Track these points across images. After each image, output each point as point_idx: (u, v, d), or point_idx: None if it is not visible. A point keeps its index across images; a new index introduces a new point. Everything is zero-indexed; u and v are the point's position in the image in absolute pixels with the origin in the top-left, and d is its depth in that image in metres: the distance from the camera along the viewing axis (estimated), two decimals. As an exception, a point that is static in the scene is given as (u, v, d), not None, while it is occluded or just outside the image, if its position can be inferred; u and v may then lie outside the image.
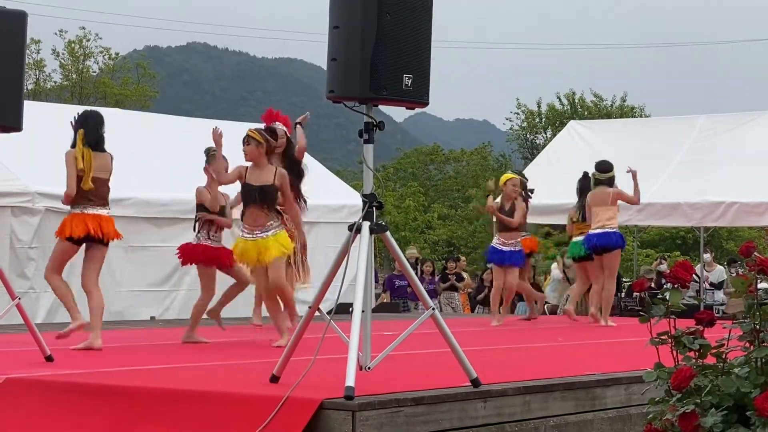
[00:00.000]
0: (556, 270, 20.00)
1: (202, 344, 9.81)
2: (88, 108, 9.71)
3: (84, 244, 9.05)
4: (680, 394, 4.61)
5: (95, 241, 9.01)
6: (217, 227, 10.06)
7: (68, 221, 9.07)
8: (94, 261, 9.12)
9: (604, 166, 13.47)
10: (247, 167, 9.22)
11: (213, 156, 9.84)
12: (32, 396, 6.35)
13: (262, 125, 18.31)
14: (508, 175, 13.60)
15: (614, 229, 13.12)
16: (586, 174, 13.76)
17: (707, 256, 21.60)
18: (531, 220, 16.63)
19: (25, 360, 7.74)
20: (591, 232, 13.16)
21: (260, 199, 9.04)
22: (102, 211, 9.10)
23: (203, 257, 9.95)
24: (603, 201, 13.20)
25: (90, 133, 9.14)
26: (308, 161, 18.13)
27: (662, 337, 4.79)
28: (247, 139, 9.20)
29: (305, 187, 11.16)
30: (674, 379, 4.59)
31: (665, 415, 4.68)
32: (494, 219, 13.83)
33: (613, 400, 6.83)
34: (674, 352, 4.77)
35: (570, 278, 19.44)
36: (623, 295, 18.41)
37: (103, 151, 9.19)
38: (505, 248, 12.96)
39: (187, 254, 10.06)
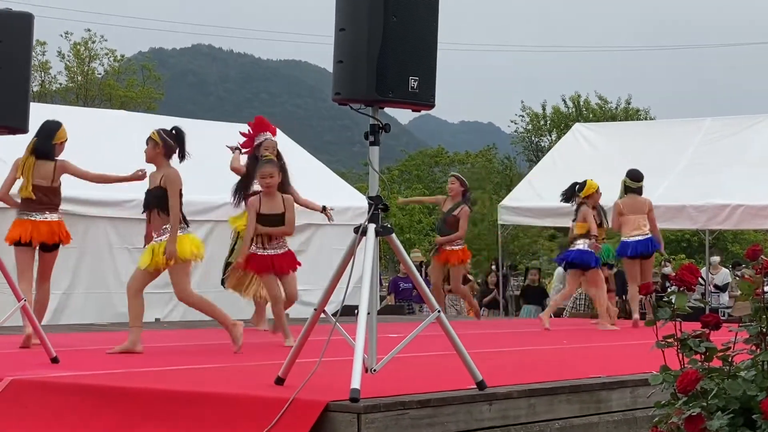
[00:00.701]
0: (560, 273, 19.98)
1: (207, 346, 9.84)
2: (51, 119, 9.94)
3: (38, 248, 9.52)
4: (686, 397, 4.60)
5: (47, 246, 9.59)
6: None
7: (13, 227, 9.59)
8: (45, 264, 9.74)
9: (637, 174, 13.65)
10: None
11: None
12: (38, 397, 6.35)
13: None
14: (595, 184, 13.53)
15: (648, 236, 13.31)
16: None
17: (715, 259, 21.58)
18: (535, 222, 16.66)
19: (30, 361, 7.75)
20: (630, 239, 13.26)
21: (148, 204, 8.91)
22: (51, 216, 9.58)
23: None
24: (640, 209, 13.46)
25: (39, 142, 9.62)
26: (312, 164, 18.20)
27: (668, 340, 4.78)
28: (147, 139, 9.10)
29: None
30: (680, 383, 4.58)
31: (671, 418, 4.67)
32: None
33: (618, 403, 6.82)
34: (680, 355, 4.76)
35: None
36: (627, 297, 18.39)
37: (51, 160, 9.60)
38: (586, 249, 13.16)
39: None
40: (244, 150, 11.86)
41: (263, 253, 9.65)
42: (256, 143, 11.63)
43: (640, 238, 13.29)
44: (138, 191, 14.31)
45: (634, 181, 13.62)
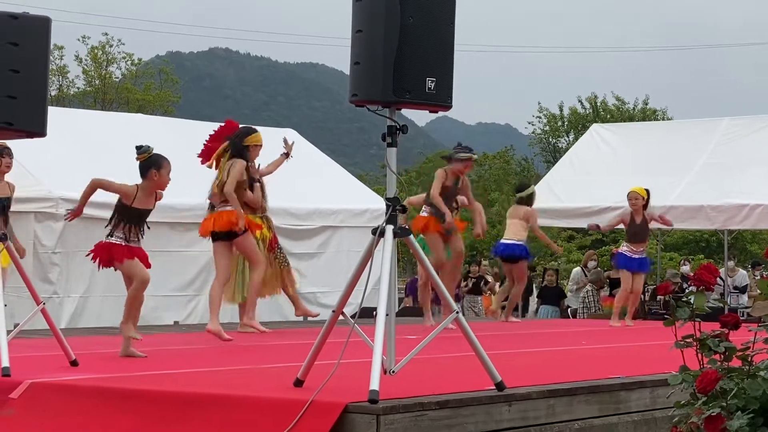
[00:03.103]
0: (580, 279, 19.99)
1: (225, 349, 9.86)
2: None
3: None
4: (706, 397, 4.59)
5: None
6: None
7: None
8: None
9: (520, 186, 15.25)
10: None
11: None
12: (57, 400, 6.37)
13: (284, 129, 18.41)
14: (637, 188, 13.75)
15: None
16: None
17: (731, 263, 21.50)
18: (553, 224, 16.66)
19: (49, 365, 7.76)
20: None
21: None
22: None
23: None
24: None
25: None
26: (330, 166, 18.22)
27: (687, 340, 4.77)
28: None
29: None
30: (699, 383, 4.56)
31: (691, 418, 4.66)
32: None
33: (637, 403, 6.81)
34: (699, 355, 4.75)
35: (593, 279, 19.43)
36: (647, 298, 18.36)
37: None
38: (634, 255, 13.55)
39: None
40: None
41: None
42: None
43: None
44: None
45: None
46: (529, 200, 14.53)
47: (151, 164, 8.56)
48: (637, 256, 13.57)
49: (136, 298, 8.67)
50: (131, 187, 8.58)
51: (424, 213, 12.53)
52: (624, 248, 13.72)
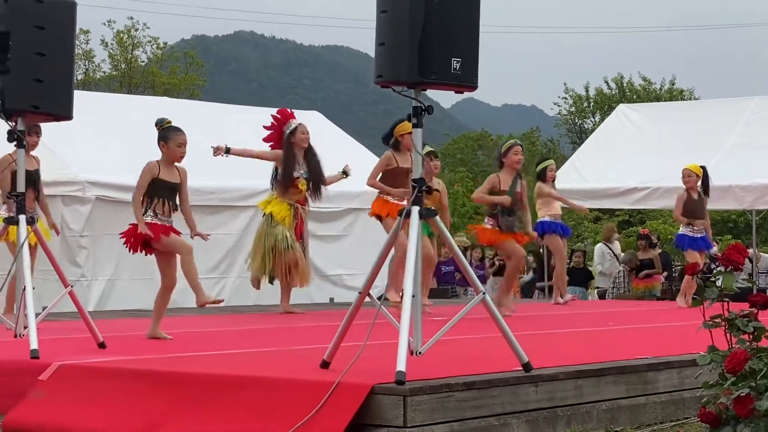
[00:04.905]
0: (605, 252, 19.89)
1: (252, 331, 9.88)
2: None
3: None
4: (734, 377, 4.57)
5: None
6: None
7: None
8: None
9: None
10: None
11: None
12: (85, 382, 6.40)
13: (310, 112, 18.44)
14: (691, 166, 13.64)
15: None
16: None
17: (756, 250, 21.35)
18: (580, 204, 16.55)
19: (78, 347, 7.81)
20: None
21: None
22: None
23: None
24: None
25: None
26: (355, 148, 18.21)
27: (716, 320, 4.75)
28: None
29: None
30: (728, 363, 4.55)
31: (719, 398, 4.64)
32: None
33: (665, 384, 6.78)
34: (728, 335, 4.73)
35: (625, 261, 19.34)
36: (674, 278, 18.31)
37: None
38: (696, 234, 13.36)
39: None
40: (268, 144, 12.15)
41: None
42: (288, 131, 11.97)
43: None
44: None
45: None
46: (541, 175, 14.36)
47: (160, 137, 8.77)
48: (699, 235, 13.39)
49: (188, 269, 8.82)
50: (153, 163, 8.74)
51: (487, 225, 11.71)
52: (683, 229, 13.47)
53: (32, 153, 10.87)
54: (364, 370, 5.72)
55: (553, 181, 14.51)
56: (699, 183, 13.42)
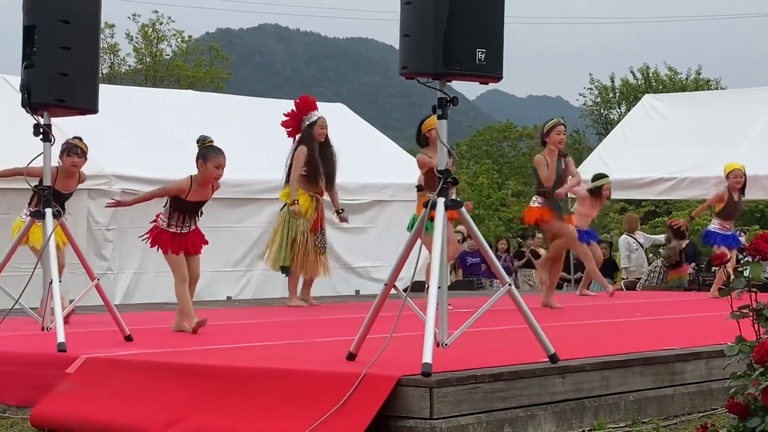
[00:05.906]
0: (630, 243, 19.78)
1: (278, 323, 9.91)
2: None
3: None
4: (763, 368, 4.54)
5: None
6: None
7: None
8: None
9: None
10: None
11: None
12: (112, 375, 6.43)
13: (335, 104, 18.47)
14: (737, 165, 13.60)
15: None
16: None
17: None
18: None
19: (104, 340, 7.84)
20: None
21: None
22: None
23: None
24: None
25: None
26: (381, 140, 18.22)
27: (743, 311, 4.72)
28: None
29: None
30: (756, 353, 4.52)
31: (747, 389, 4.61)
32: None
33: (693, 374, 6.75)
34: (756, 326, 4.70)
35: (665, 255, 19.23)
36: (702, 269, 18.20)
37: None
38: (727, 232, 13.38)
39: None
40: (286, 129, 12.20)
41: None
42: (307, 122, 12.01)
43: None
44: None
45: None
46: (595, 192, 14.33)
47: (200, 155, 8.51)
48: (730, 233, 13.39)
49: (176, 293, 8.60)
50: (185, 181, 8.51)
51: (535, 204, 11.45)
52: (715, 225, 13.44)
53: (73, 169, 10.16)
54: (390, 362, 5.72)
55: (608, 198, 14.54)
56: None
